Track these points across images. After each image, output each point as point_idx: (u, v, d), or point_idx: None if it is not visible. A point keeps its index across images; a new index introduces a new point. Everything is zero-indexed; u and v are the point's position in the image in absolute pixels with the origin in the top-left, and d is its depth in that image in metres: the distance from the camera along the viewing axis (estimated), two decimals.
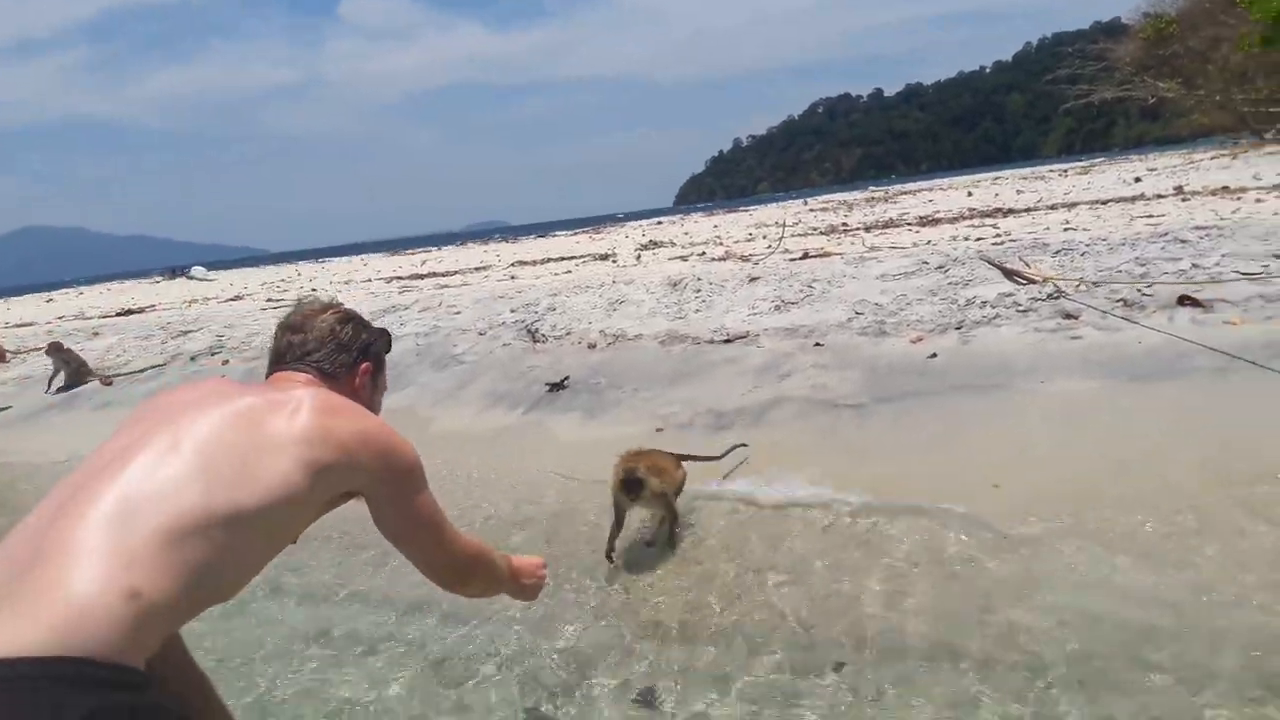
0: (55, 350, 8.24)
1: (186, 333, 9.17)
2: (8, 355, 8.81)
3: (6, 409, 7.91)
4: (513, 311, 7.40)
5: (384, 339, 2.16)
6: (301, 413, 1.73)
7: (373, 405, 2.07)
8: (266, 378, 2.01)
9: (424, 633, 3.19)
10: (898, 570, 3.15)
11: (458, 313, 7.75)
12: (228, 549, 1.55)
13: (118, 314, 13.28)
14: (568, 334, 6.61)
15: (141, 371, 8.12)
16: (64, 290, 25.82)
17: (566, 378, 5.77)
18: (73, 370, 8.13)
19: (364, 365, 2.05)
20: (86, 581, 1.39)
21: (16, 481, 5.84)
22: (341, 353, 2.01)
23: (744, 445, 4.26)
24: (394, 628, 3.26)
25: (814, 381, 5.04)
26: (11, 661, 1.30)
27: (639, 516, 3.71)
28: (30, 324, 13.66)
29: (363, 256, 25.27)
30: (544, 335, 6.69)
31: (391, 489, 1.85)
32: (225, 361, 7.77)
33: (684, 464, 3.83)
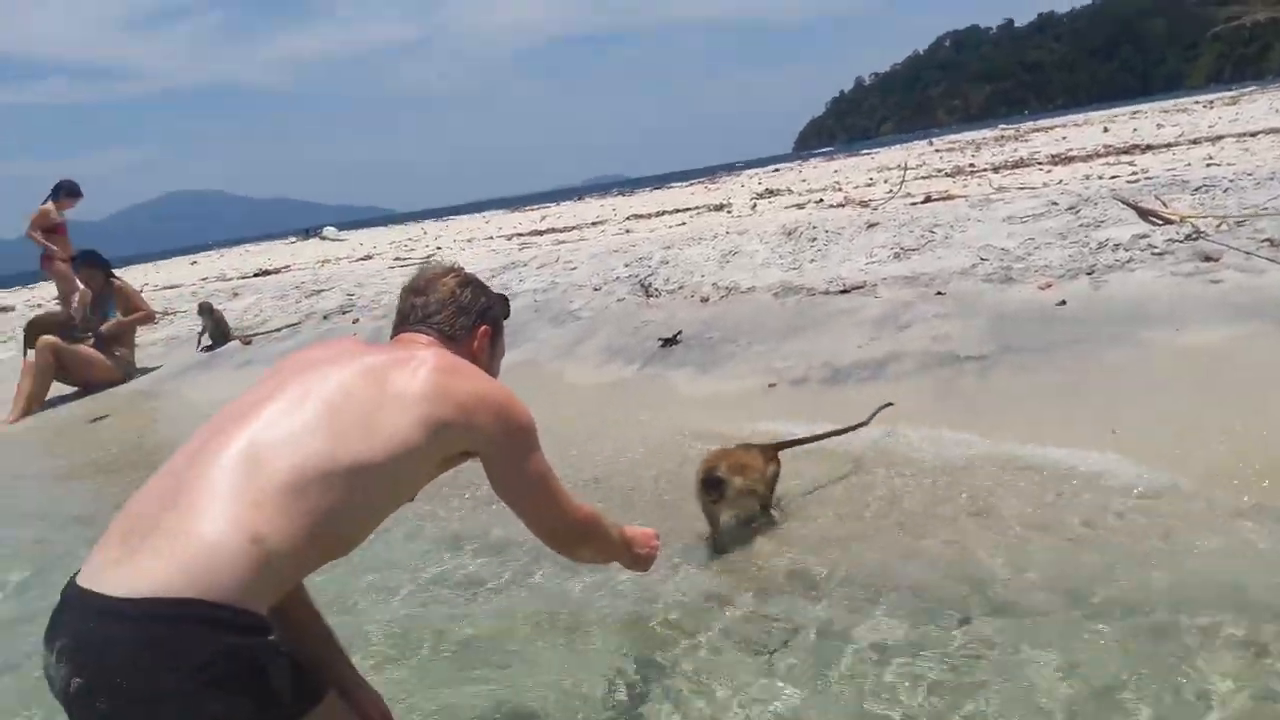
0: (205, 310, 8.74)
1: (319, 292, 9.56)
2: (157, 316, 9.34)
3: (158, 368, 8.45)
4: (626, 266, 7.43)
5: (503, 304, 2.23)
6: (422, 371, 1.82)
7: (491, 368, 2.13)
8: (391, 339, 2.09)
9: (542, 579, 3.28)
10: (1016, 527, 3.08)
11: (574, 269, 7.83)
12: (349, 499, 1.65)
13: (255, 274, 13.93)
14: (680, 288, 6.61)
15: (278, 330, 8.52)
16: (206, 253, 27.20)
17: (679, 332, 5.77)
18: (219, 330, 8.60)
19: (483, 328, 2.10)
20: (214, 525, 1.50)
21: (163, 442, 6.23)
22: (461, 315, 2.06)
23: (890, 404, 3.98)
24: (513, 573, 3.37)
25: (935, 332, 4.91)
26: (144, 601, 1.42)
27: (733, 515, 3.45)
28: (176, 286, 14.47)
29: (485, 214, 25.78)
30: (657, 290, 6.71)
31: (506, 449, 1.91)
32: (355, 320, 8.07)
33: (780, 455, 3.59)
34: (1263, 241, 4.75)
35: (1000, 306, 4.92)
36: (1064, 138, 16.20)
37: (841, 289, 5.83)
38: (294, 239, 26.14)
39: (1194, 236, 5.03)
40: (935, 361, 4.59)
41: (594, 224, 14.10)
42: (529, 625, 2.96)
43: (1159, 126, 15.15)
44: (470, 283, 2.14)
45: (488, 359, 2.13)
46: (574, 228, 13.94)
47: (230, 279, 14.11)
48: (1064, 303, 4.75)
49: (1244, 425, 3.34)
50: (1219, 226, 5.04)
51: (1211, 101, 22.10)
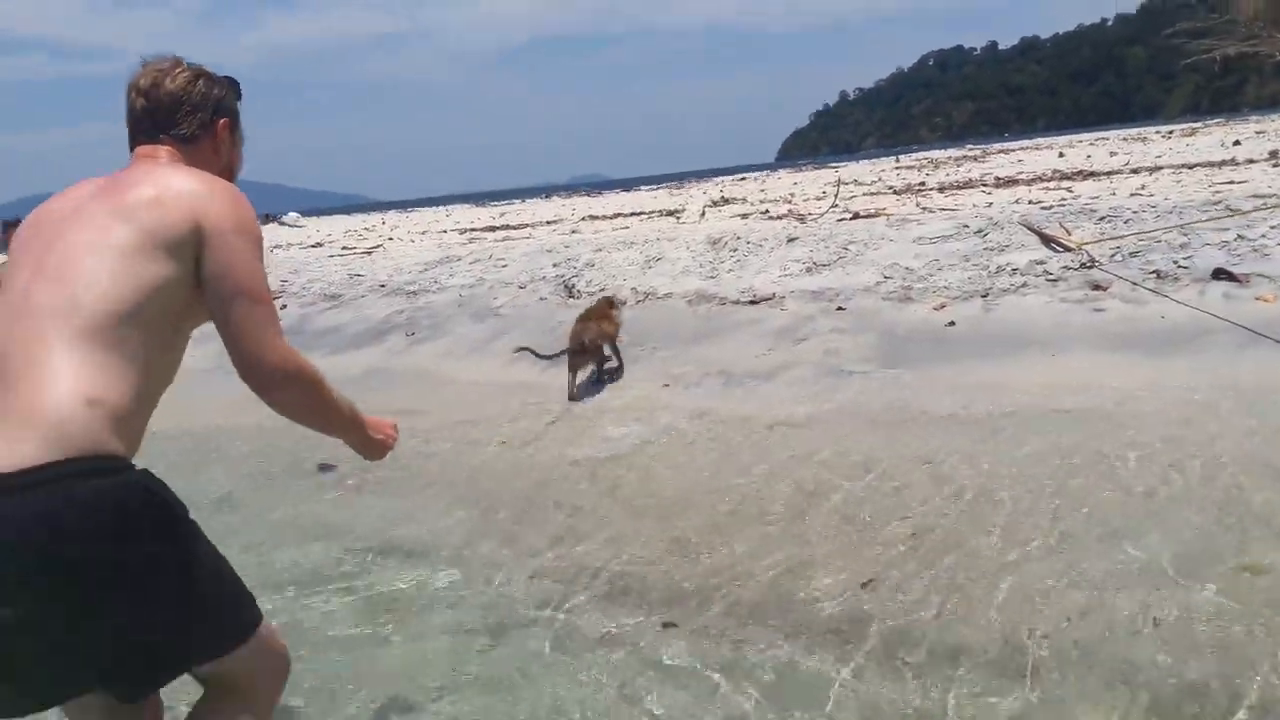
0: None
1: None
2: None
3: None
4: (555, 266, 7.47)
5: (234, 89, 2.10)
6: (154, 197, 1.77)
7: (234, 160, 2.08)
8: (131, 149, 1.98)
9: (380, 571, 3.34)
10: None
11: (504, 266, 7.86)
12: (140, 344, 1.66)
13: None
14: (602, 290, 6.64)
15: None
16: None
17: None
18: None
19: (221, 122, 2.02)
20: (56, 399, 1.56)
21: None
22: (198, 113, 1.98)
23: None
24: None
25: (828, 346, 5.00)
26: (30, 470, 1.49)
27: None
28: None
29: (448, 208, 25.69)
30: (579, 291, 6.75)
31: (232, 244, 1.76)
32: (284, 306, 8.05)
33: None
34: (1150, 273, 4.86)
35: (893, 325, 5.02)
36: (1020, 160, 16.38)
37: (752, 299, 5.90)
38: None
39: (1089, 265, 5.13)
40: (822, 374, 4.68)
41: (548, 223, 14.10)
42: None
43: (1111, 154, 15.35)
44: (200, 75, 2.01)
45: (229, 150, 2.06)
46: (526, 225, 13.95)
47: None
48: (953, 323, 4.85)
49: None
50: (1113, 256, 5.15)
51: (1171, 131, 22.44)
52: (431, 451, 4.61)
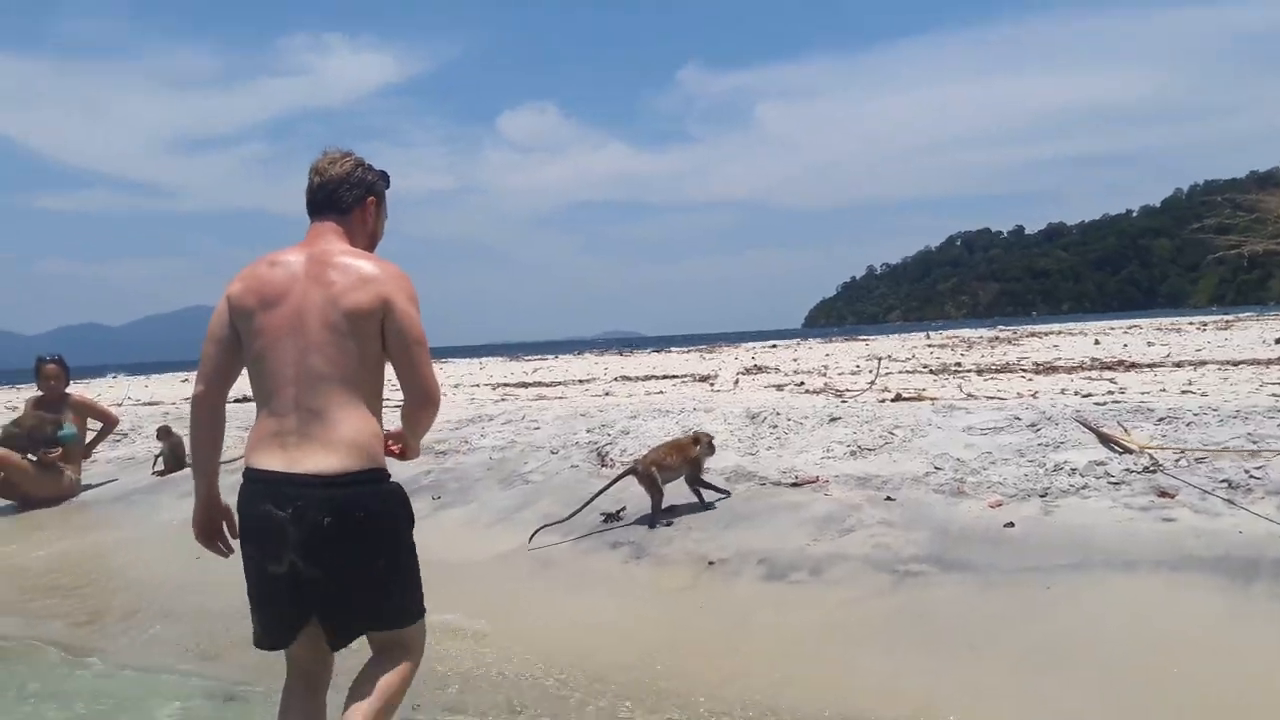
0: (163, 434, 8.56)
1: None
2: (118, 426, 9.12)
3: (112, 481, 8.24)
4: (589, 431, 7.29)
5: (384, 178, 2.87)
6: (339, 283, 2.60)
7: (377, 230, 2.86)
8: (310, 221, 2.77)
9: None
10: None
11: (537, 428, 7.69)
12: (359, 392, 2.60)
13: (237, 400, 13.79)
14: (635, 459, 6.44)
15: (231, 462, 8.31)
16: None
17: (623, 508, 5.59)
18: (174, 455, 8.40)
19: (369, 200, 2.80)
20: (335, 434, 2.51)
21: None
22: (354, 190, 2.77)
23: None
24: None
25: (877, 540, 4.73)
26: (338, 475, 2.47)
27: None
28: (157, 403, 14.32)
29: (482, 360, 25.85)
30: (612, 460, 6.55)
31: (402, 311, 2.60)
32: None
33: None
34: (1220, 482, 4.60)
35: (946, 522, 4.75)
36: (1055, 345, 16.31)
37: (793, 481, 5.67)
38: None
39: (1151, 469, 4.88)
40: (872, 570, 4.39)
41: (580, 381, 14.05)
42: None
43: (1149, 344, 15.26)
44: (359, 165, 2.79)
45: (374, 223, 2.83)
46: (560, 383, 13.90)
47: None
48: (1012, 524, 4.58)
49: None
50: (1177, 460, 4.91)
51: (1205, 324, 22.44)
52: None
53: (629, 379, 13.96)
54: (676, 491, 5.61)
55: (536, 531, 5.41)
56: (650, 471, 5.37)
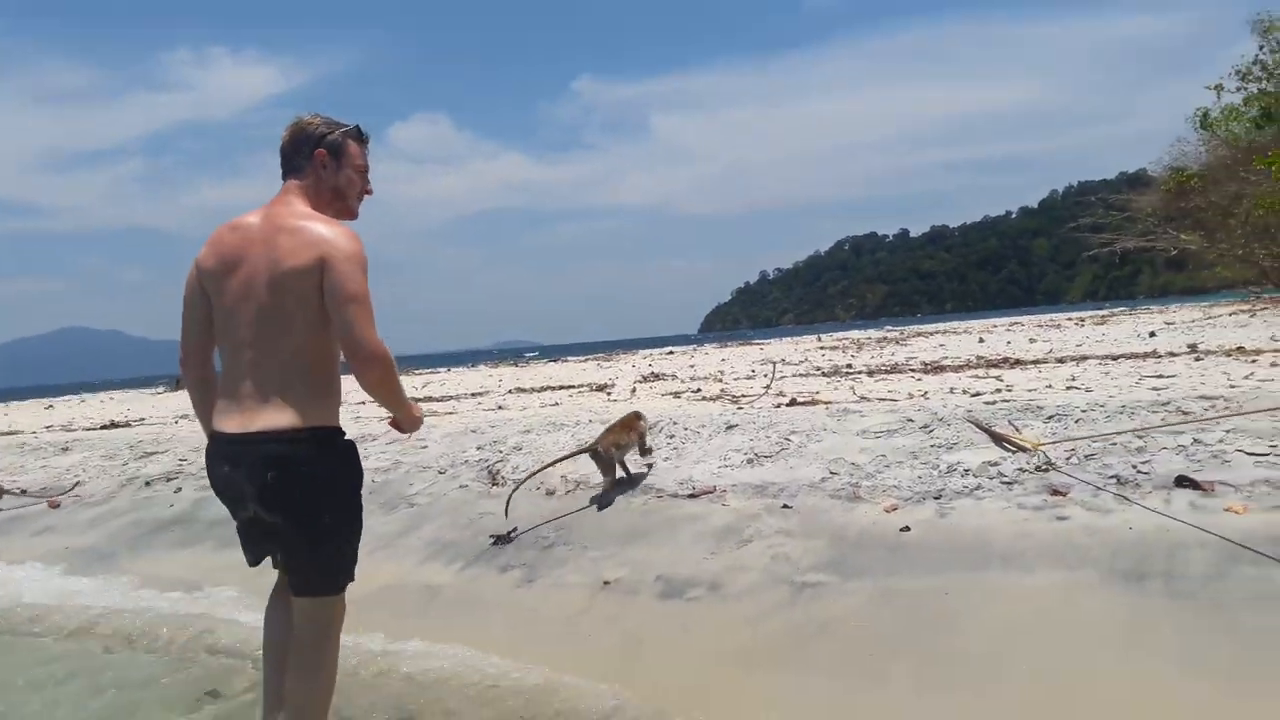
0: None
1: (151, 454, 8.81)
2: None
3: None
4: (479, 449, 7.02)
5: (340, 130, 2.85)
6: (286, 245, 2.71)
7: (337, 183, 2.85)
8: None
9: None
10: None
11: (424, 446, 7.37)
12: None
13: (103, 427, 12.99)
14: (529, 476, 6.20)
15: (64, 491, 7.75)
16: (67, 397, 25.70)
17: (514, 529, 5.35)
18: None
19: (318, 153, 2.82)
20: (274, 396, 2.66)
21: None
22: (302, 149, 2.83)
23: None
24: None
25: (776, 551, 4.60)
26: (283, 431, 2.62)
27: None
28: (16, 433, 13.39)
29: None
30: (504, 478, 6.29)
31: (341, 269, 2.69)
32: (178, 490, 7.40)
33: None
34: (1110, 478, 4.62)
35: (844, 528, 4.64)
36: (942, 345, 16.66)
37: (691, 493, 5.51)
38: (162, 388, 24.95)
39: (1044, 468, 4.88)
40: (771, 584, 4.26)
41: (473, 395, 13.70)
42: None
43: (1031, 340, 15.71)
44: (310, 122, 2.84)
45: (332, 176, 2.84)
46: (452, 397, 13.51)
47: (75, 429, 13.13)
48: (908, 529, 4.50)
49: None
50: (1068, 458, 4.92)
51: (1083, 319, 23.32)
52: None
53: (524, 390, 13.68)
54: (565, 505, 5.40)
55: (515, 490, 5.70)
56: (610, 451, 5.57)
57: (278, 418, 2.61)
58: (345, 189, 2.86)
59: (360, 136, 2.91)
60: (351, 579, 2.91)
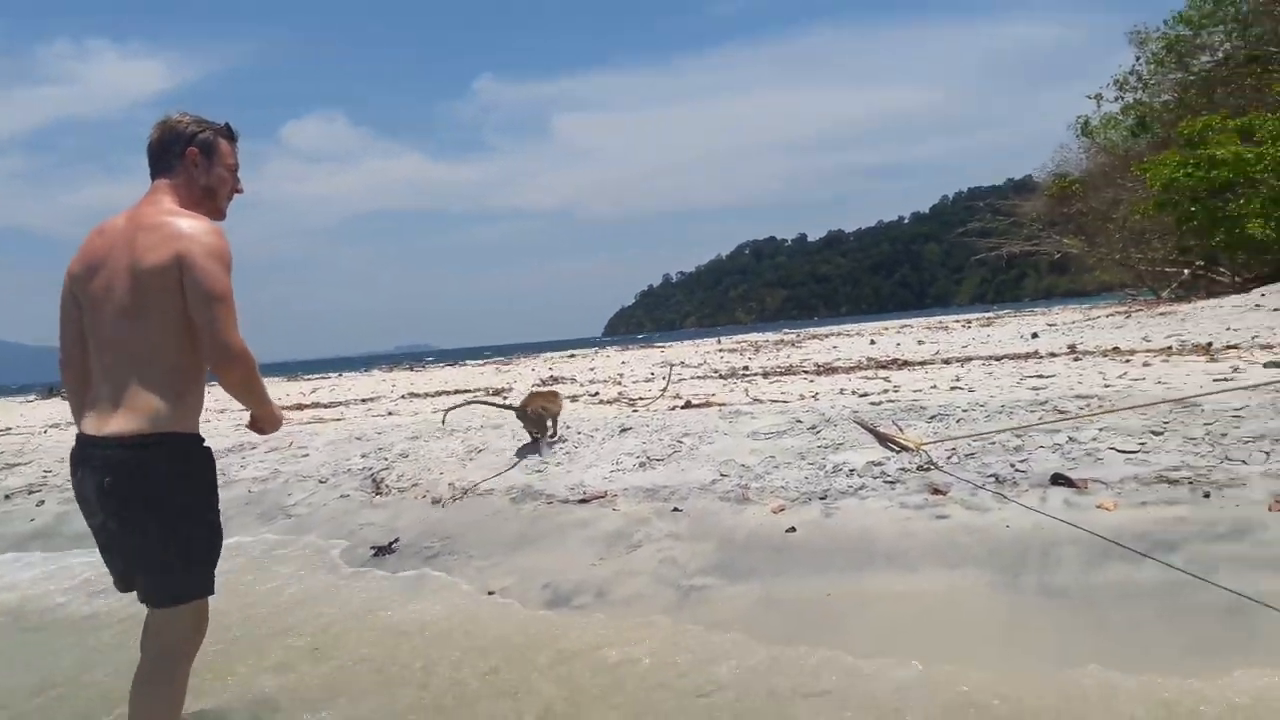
0: None
1: (13, 466, 8.30)
2: None
3: None
4: (363, 456, 6.79)
5: (210, 129, 2.82)
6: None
7: (210, 180, 2.80)
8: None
9: None
10: None
11: (306, 455, 7.10)
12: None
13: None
14: (414, 485, 6.02)
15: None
16: None
17: (395, 540, 5.18)
18: None
19: (189, 151, 2.77)
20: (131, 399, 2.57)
21: None
22: (169, 150, 2.77)
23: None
24: None
25: (664, 554, 4.54)
26: (128, 436, 2.54)
27: None
28: None
29: None
30: (388, 486, 6.10)
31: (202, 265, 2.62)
32: (40, 503, 6.97)
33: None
34: (989, 477, 4.70)
35: (732, 531, 4.61)
36: (835, 347, 16.94)
37: (581, 498, 5.42)
38: (34, 397, 23.69)
39: (925, 467, 4.94)
40: (658, 588, 4.20)
41: (363, 401, 13.34)
42: None
43: (920, 342, 16.09)
44: (180, 121, 2.80)
45: (204, 174, 2.79)
46: (341, 403, 13.13)
47: None
48: (794, 529, 4.50)
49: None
50: (949, 457, 4.99)
51: (970, 321, 24.04)
52: None
53: (417, 395, 13.40)
54: (451, 515, 5.25)
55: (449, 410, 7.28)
56: (538, 411, 6.25)
57: (127, 422, 2.54)
58: (217, 187, 2.83)
59: (231, 135, 2.90)
60: (201, 595, 2.74)
